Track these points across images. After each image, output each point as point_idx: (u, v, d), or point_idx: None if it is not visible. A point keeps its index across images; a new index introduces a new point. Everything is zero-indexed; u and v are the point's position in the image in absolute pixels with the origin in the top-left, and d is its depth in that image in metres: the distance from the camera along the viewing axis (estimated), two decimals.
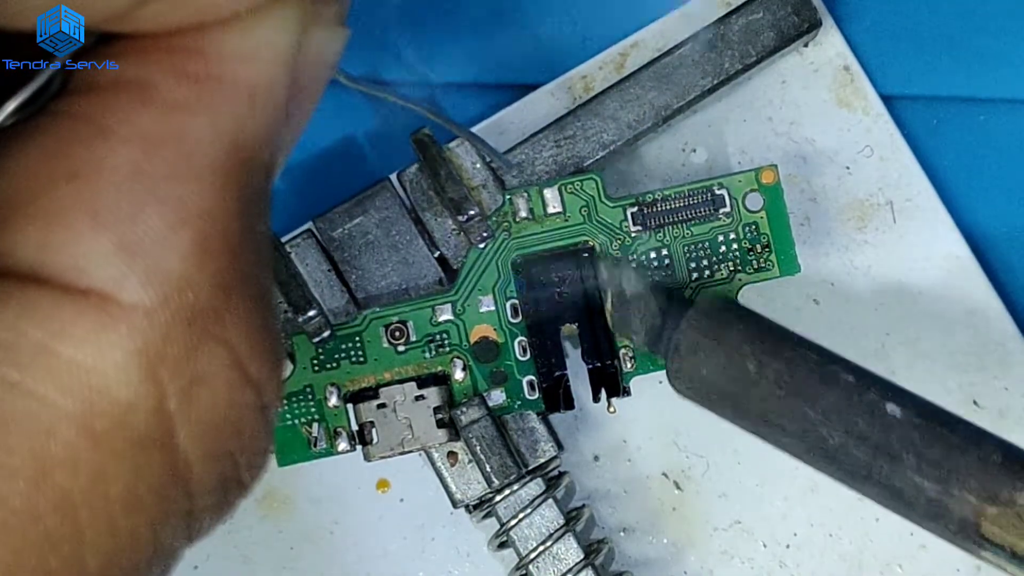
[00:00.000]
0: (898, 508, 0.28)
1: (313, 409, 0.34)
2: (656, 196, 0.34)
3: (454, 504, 0.34)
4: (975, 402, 0.36)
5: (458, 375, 0.34)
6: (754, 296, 0.36)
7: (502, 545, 0.35)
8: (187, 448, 0.20)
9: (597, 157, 0.35)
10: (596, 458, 0.37)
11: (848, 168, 0.37)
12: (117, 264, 0.19)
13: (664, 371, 0.34)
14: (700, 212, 0.34)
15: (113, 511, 0.20)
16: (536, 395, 0.34)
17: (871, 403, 0.28)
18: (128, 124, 0.20)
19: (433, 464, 0.34)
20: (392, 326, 0.34)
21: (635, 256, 0.34)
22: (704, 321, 0.30)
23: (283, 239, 0.35)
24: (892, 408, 0.28)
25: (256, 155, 0.21)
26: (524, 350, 0.34)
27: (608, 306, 0.33)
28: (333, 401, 0.34)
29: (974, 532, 0.27)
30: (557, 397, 0.34)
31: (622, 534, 0.37)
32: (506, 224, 0.34)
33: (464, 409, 0.34)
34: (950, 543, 0.28)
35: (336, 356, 0.34)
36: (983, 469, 0.27)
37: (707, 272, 0.34)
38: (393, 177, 0.35)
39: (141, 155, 0.20)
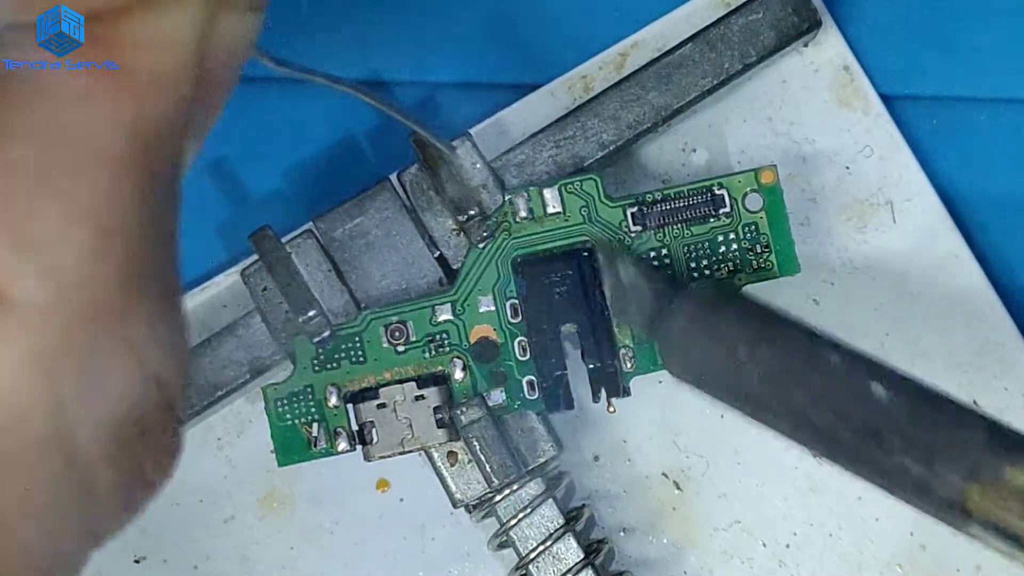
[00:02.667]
0: (886, 488, 0.28)
1: (313, 409, 0.34)
2: (656, 196, 0.34)
3: (454, 504, 0.34)
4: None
5: (458, 375, 0.34)
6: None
7: (502, 545, 0.35)
8: (88, 449, 0.20)
9: (597, 157, 0.35)
10: (596, 458, 0.37)
11: (848, 168, 0.37)
12: (10, 261, 0.19)
13: (664, 371, 0.34)
14: (700, 212, 0.34)
15: (8, 517, 0.19)
16: (536, 395, 0.34)
17: (858, 384, 0.28)
18: (23, 116, 0.19)
19: (433, 464, 0.34)
20: (392, 326, 0.34)
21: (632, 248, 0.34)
22: (694, 306, 0.31)
23: (283, 239, 0.35)
24: (878, 389, 0.28)
25: (160, 145, 0.21)
26: (524, 350, 0.34)
27: (607, 294, 0.33)
28: (333, 401, 0.34)
29: (960, 510, 0.27)
30: (557, 397, 0.34)
31: (622, 534, 0.37)
32: (506, 224, 0.34)
33: (464, 409, 0.34)
34: (938, 520, 0.28)
35: (336, 356, 0.34)
36: (967, 447, 0.27)
37: (707, 272, 0.34)
38: (393, 177, 0.35)
39: (36, 148, 0.19)
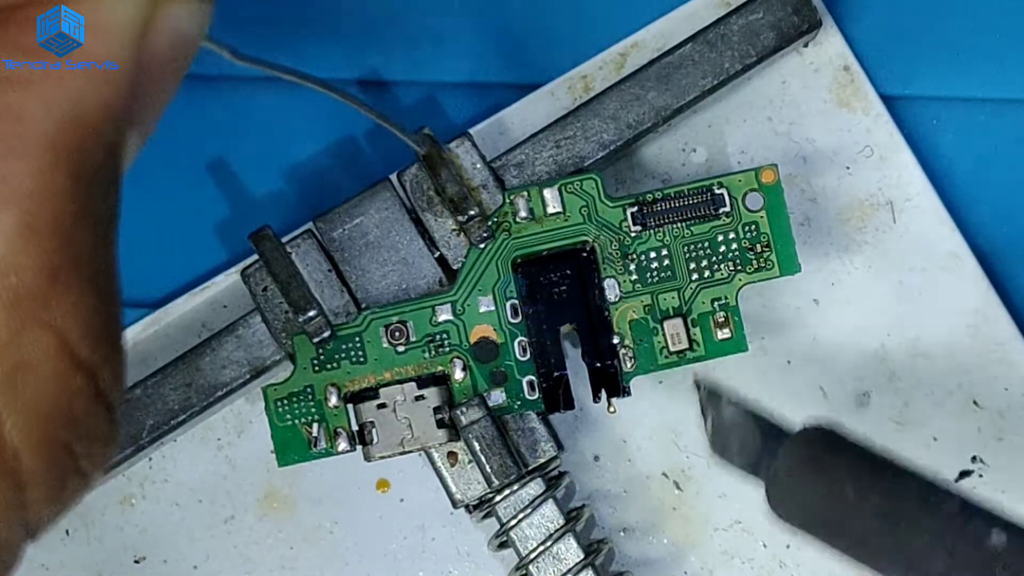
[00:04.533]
0: None
1: (313, 409, 0.34)
2: (656, 196, 0.34)
3: (454, 504, 0.34)
4: (975, 402, 0.36)
5: (458, 375, 0.34)
6: (754, 296, 0.36)
7: (502, 545, 0.35)
8: (14, 438, 0.19)
9: (597, 157, 0.35)
10: (596, 458, 0.37)
11: (848, 168, 0.37)
12: None
13: (665, 371, 0.34)
14: (700, 212, 0.34)
15: None
16: (536, 395, 0.34)
17: (975, 531, 0.28)
18: None
19: (433, 464, 0.34)
20: (392, 326, 0.34)
21: (635, 257, 0.34)
22: (804, 448, 0.30)
23: (283, 239, 0.35)
24: (997, 537, 0.28)
25: (96, 132, 0.20)
26: (524, 350, 0.34)
27: (708, 430, 0.33)
28: (333, 401, 0.34)
29: None
30: (557, 397, 0.34)
31: (622, 534, 0.37)
32: (506, 224, 0.34)
33: (464, 409, 0.34)
34: None
35: (336, 356, 0.34)
36: None
37: (707, 272, 0.34)
38: (393, 177, 0.35)
39: None
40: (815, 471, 0.30)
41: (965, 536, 0.28)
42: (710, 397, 0.32)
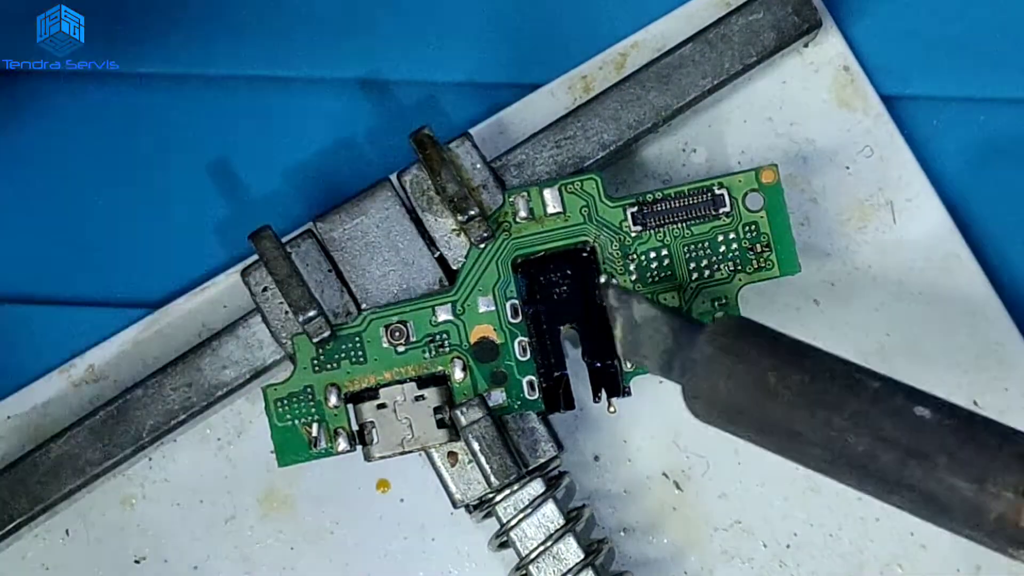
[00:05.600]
0: (930, 513, 0.28)
1: (313, 409, 0.34)
2: (656, 196, 0.34)
3: (454, 504, 0.34)
4: (975, 402, 0.36)
5: (458, 375, 0.34)
6: (754, 296, 0.36)
7: (502, 545, 0.35)
8: None
9: (597, 157, 0.35)
10: (596, 458, 0.37)
11: (848, 168, 0.37)
12: None
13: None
14: (700, 212, 0.34)
15: None
16: (536, 395, 0.34)
17: (899, 407, 0.28)
18: None
19: (433, 464, 0.34)
20: (392, 326, 0.34)
21: (635, 257, 0.34)
22: (720, 338, 0.30)
23: (283, 239, 0.35)
24: (921, 411, 0.28)
25: None
26: (524, 350, 0.34)
27: (617, 332, 0.32)
28: (333, 401, 0.34)
29: (1012, 528, 0.27)
30: (557, 397, 0.34)
31: (622, 534, 0.37)
32: (506, 224, 0.34)
33: (464, 409, 0.34)
34: (985, 545, 0.28)
35: (336, 356, 0.34)
36: (1018, 464, 0.27)
37: (707, 272, 0.34)
38: (393, 177, 0.35)
39: None
40: (733, 359, 0.29)
41: (889, 412, 0.28)
42: (619, 297, 0.32)
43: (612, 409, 0.34)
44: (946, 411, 0.28)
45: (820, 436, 0.28)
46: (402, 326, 0.34)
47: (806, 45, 0.37)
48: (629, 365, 0.34)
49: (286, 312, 0.34)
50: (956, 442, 0.27)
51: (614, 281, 0.34)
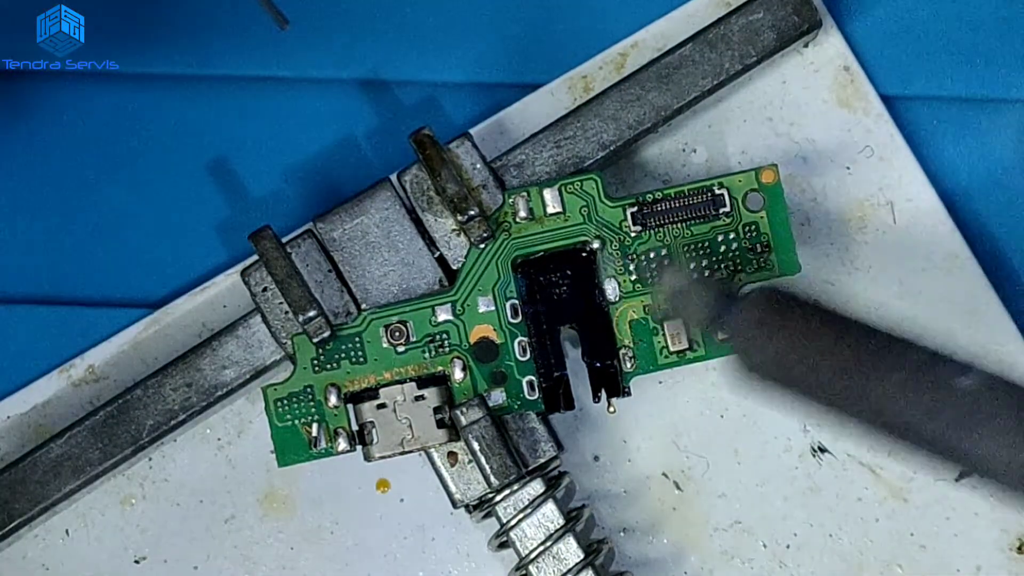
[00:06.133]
0: (983, 473, 0.28)
1: (313, 409, 0.34)
2: (656, 196, 0.34)
3: (454, 504, 0.34)
4: None
5: (458, 375, 0.34)
6: None
7: (502, 545, 0.35)
8: None
9: (597, 157, 0.35)
10: (596, 458, 0.37)
11: (848, 168, 0.37)
12: None
13: (664, 372, 0.34)
14: (700, 212, 0.34)
15: None
16: (536, 395, 0.34)
17: (943, 376, 0.28)
18: None
19: (433, 464, 0.34)
20: (392, 326, 0.34)
21: (635, 257, 0.34)
22: (758, 310, 0.30)
23: (283, 239, 0.35)
24: (965, 381, 0.28)
25: None
26: (524, 350, 0.34)
27: (666, 288, 0.32)
28: (333, 401, 0.34)
29: None
30: (557, 397, 0.34)
31: (622, 534, 0.37)
32: (506, 224, 0.34)
33: (464, 409, 0.34)
34: None
35: (336, 356, 0.34)
36: None
37: (707, 272, 0.34)
38: (393, 177, 0.35)
39: None
40: (774, 329, 0.29)
41: (933, 382, 0.28)
42: (665, 271, 0.32)
43: (612, 409, 0.34)
44: (986, 379, 0.28)
45: (866, 408, 0.28)
46: (402, 326, 0.34)
47: (806, 45, 0.37)
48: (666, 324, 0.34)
49: (286, 312, 0.34)
50: (1001, 408, 0.27)
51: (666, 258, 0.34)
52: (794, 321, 0.29)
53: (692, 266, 0.32)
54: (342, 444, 0.34)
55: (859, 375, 0.28)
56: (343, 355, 0.34)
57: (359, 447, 0.34)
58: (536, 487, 0.34)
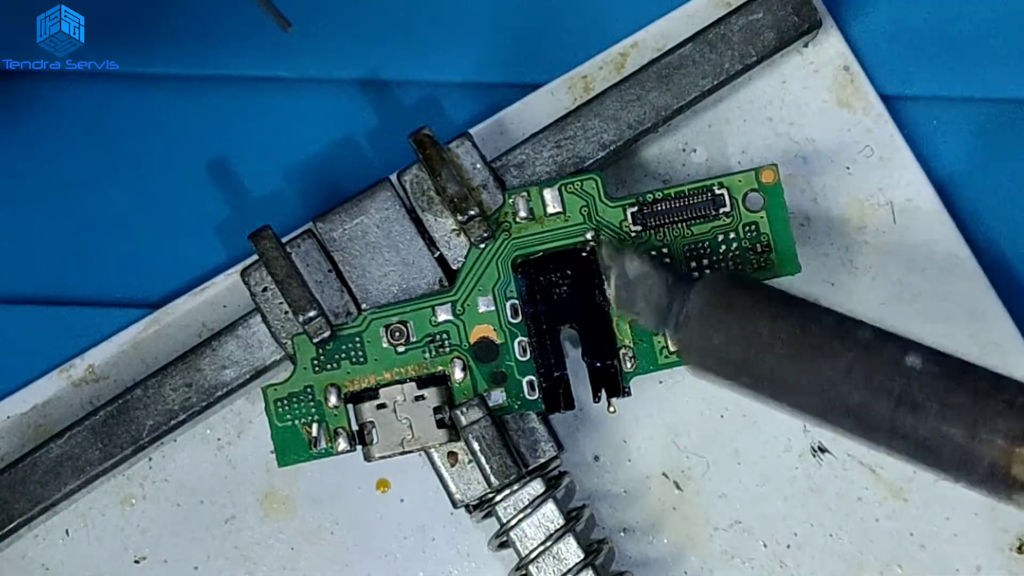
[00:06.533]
0: (924, 459, 0.28)
1: (313, 409, 0.34)
2: (656, 196, 0.34)
3: (454, 504, 0.34)
4: None
5: (458, 375, 0.34)
6: None
7: (502, 545, 0.35)
8: None
9: (597, 157, 0.35)
10: (596, 458, 0.37)
11: (848, 168, 0.37)
12: None
13: (664, 372, 0.34)
14: (700, 212, 0.34)
15: None
16: (536, 395, 0.34)
17: (890, 356, 0.28)
18: None
19: (433, 464, 0.34)
20: (392, 326, 0.34)
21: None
22: (713, 291, 0.30)
23: (283, 239, 0.35)
24: (912, 360, 0.28)
25: None
26: (524, 350, 0.34)
27: (611, 288, 0.33)
28: (333, 401, 0.34)
29: (1004, 475, 0.27)
30: (557, 397, 0.34)
31: (622, 534, 0.37)
32: (506, 224, 0.34)
33: (464, 409, 0.34)
34: (979, 491, 0.28)
35: (336, 356, 0.34)
36: (1009, 411, 0.27)
37: (707, 272, 0.34)
38: (393, 177, 0.35)
39: None
40: (726, 310, 0.30)
41: (880, 361, 0.28)
42: (612, 255, 0.32)
43: (612, 409, 0.34)
44: (937, 360, 0.28)
45: (814, 386, 0.28)
46: (402, 326, 0.34)
47: (806, 45, 0.37)
48: (619, 323, 0.34)
49: (286, 312, 0.34)
50: (947, 390, 0.27)
51: (603, 238, 0.34)
52: (740, 307, 0.30)
53: (639, 258, 0.32)
54: (342, 444, 0.34)
55: (806, 358, 0.29)
56: (343, 355, 0.34)
57: (359, 447, 0.34)
58: (536, 487, 0.34)
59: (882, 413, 0.28)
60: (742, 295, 0.30)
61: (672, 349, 0.34)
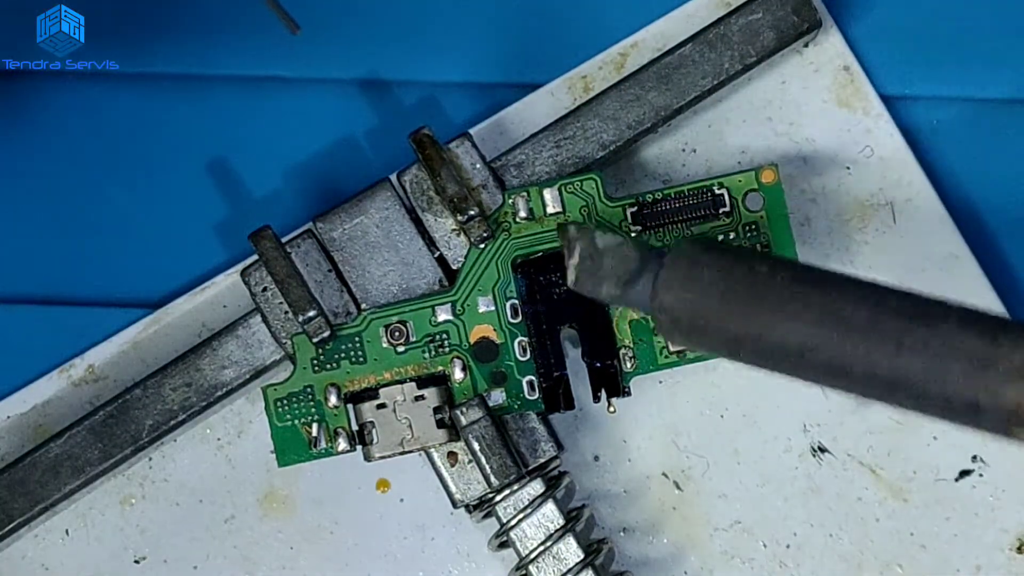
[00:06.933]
0: (934, 388, 0.27)
1: (313, 409, 0.34)
2: (656, 196, 0.34)
3: (454, 504, 0.34)
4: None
5: (458, 375, 0.34)
6: None
7: (502, 545, 0.35)
8: None
9: (597, 157, 0.35)
10: (596, 458, 0.37)
11: (848, 168, 0.37)
12: None
13: (664, 372, 0.34)
14: (700, 212, 0.34)
15: None
16: (536, 395, 0.34)
17: (870, 299, 0.27)
18: None
19: (433, 464, 0.34)
20: (392, 326, 0.34)
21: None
22: (686, 253, 0.30)
23: (283, 239, 0.35)
24: (895, 301, 0.28)
25: None
26: (524, 350, 0.34)
27: (574, 260, 0.31)
28: (333, 401, 0.34)
29: (1011, 411, 0.26)
30: (557, 397, 0.34)
31: (622, 534, 0.37)
32: (506, 224, 0.34)
33: (464, 409, 0.34)
34: (984, 431, 0.27)
35: (336, 356, 0.34)
36: (1015, 345, 0.26)
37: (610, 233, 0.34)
38: (393, 177, 0.35)
39: None
40: (701, 269, 0.29)
41: (861, 306, 0.28)
42: (580, 229, 0.31)
43: (612, 409, 0.34)
44: (912, 300, 0.28)
45: (813, 316, 0.28)
46: (402, 326, 0.34)
47: (806, 45, 0.37)
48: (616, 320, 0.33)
49: (286, 312, 0.34)
50: (962, 317, 0.27)
51: (562, 221, 0.34)
52: (716, 265, 0.29)
53: (608, 231, 0.32)
54: (342, 444, 0.34)
55: (812, 289, 0.28)
56: (343, 355, 0.34)
57: (359, 447, 0.34)
58: (536, 487, 0.34)
59: (891, 330, 0.27)
60: (716, 255, 0.29)
61: (639, 316, 0.33)
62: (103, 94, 0.38)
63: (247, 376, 0.35)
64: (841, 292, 0.28)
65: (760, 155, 0.37)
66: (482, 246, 0.34)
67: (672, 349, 0.34)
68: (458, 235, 0.35)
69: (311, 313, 0.34)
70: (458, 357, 0.34)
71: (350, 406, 0.34)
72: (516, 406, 0.34)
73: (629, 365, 0.34)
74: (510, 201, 0.34)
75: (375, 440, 0.34)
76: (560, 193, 0.34)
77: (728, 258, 0.29)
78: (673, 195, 0.34)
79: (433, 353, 0.34)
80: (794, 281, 0.29)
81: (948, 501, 0.36)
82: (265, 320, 0.35)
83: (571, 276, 0.31)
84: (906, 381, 0.27)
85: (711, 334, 0.29)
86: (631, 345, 0.34)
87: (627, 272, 0.30)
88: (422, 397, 0.34)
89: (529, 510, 0.34)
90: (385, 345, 0.34)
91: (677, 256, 0.30)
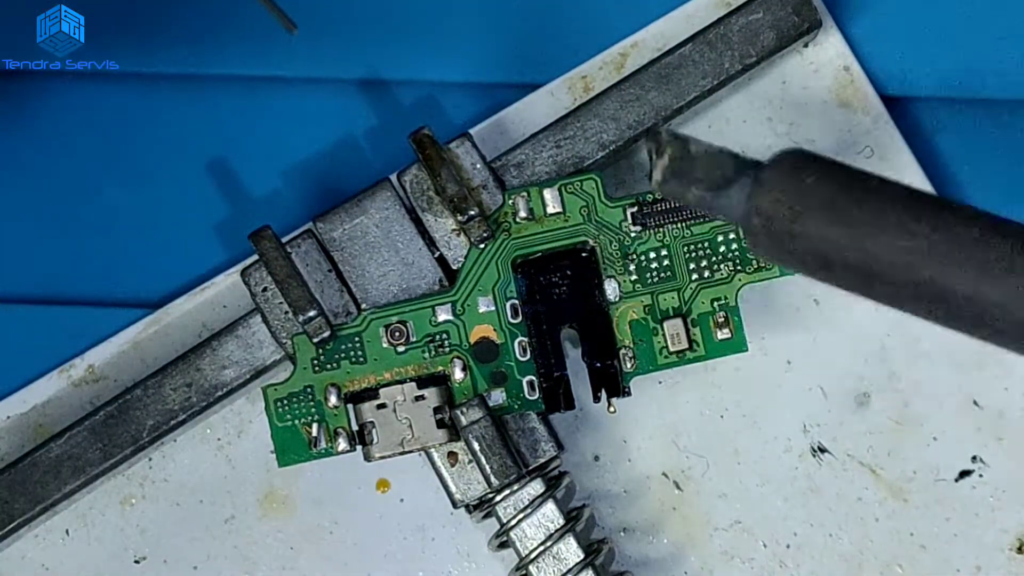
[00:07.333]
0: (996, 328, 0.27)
1: (313, 409, 0.34)
2: (656, 196, 0.34)
3: (454, 504, 0.34)
4: (975, 402, 0.36)
5: (458, 375, 0.34)
6: (754, 296, 0.36)
7: (502, 545, 0.35)
8: None
9: (597, 157, 0.35)
10: (596, 458, 0.37)
11: None
12: None
13: (664, 371, 0.34)
14: (700, 212, 0.34)
15: None
16: (536, 395, 0.34)
17: (966, 231, 0.27)
18: None
19: (433, 464, 0.34)
20: (392, 326, 0.34)
21: (635, 257, 0.34)
22: (788, 163, 0.29)
23: (283, 239, 0.35)
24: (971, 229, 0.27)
25: None
26: (524, 350, 0.34)
27: (664, 160, 0.30)
28: (333, 401, 0.34)
29: None
30: (557, 397, 0.34)
31: (622, 534, 0.37)
32: (506, 224, 0.34)
33: (464, 409, 0.34)
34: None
35: (336, 356, 0.34)
36: None
37: (707, 272, 0.34)
38: (393, 177, 0.35)
39: None
40: (826, 161, 0.28)
41: (958, 238, 0.27)
42: (672, 134, 0.30)
43: (612, 409, 0.34)
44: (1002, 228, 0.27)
45: (897, 254, 0.27)
46: (402, 326, 0.34)
47: (806, 45, 0.37)
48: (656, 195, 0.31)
49: (286, 312, 0.34)
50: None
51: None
52: (819, 175, 0.28)
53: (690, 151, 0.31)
54: (342, 444, 0.34)
55: (889, 222, 0.27)
56: (343, 355, 0.34)
57: (359, 447, 0.34)
58: (536, 487, 0.34)
59: (963, 284, 0.27)
60: (824, 163, 0.28)
61: (730, 218, 0.31)
62: (103, 94, 0.38)
63: (247, 376, 0.35)
64: (954, 211, 0.27)
65: (760, 155, 0.37)
66: (482, 246, 0.34)
67: (672, 349, 0.34)
68: (458, 235, 0.35)
69: (311, 313, 0.34)
70: (458, 357, 0.34)
71: (350, 406, 0.34)
72: (516, 406, 0.34)
73: (629, 365, 0.34)
74: (510, 201, 0.34)
75: (375, 440, 0.34)
76: (560, 193, 0.34)
77: (835, 167, 0.28)
78: None
79: (433, 353, 0.34)
80: (910, 195, 0.28)
81: (948, 501, 0.36)
82: (265, 320, 0.35)
83: (657, 176, 0.30)
84: (1014, 307, 0.27)
85: (807, 241, 0.28)
86: (631, 345, 0.34)
87: (722, 177, 0.30)
88: (422, 397, 0.34)
89: (529, 510, 0.34)
90: (385, 345, 0.34)
91: (781, 160, 0.29)
